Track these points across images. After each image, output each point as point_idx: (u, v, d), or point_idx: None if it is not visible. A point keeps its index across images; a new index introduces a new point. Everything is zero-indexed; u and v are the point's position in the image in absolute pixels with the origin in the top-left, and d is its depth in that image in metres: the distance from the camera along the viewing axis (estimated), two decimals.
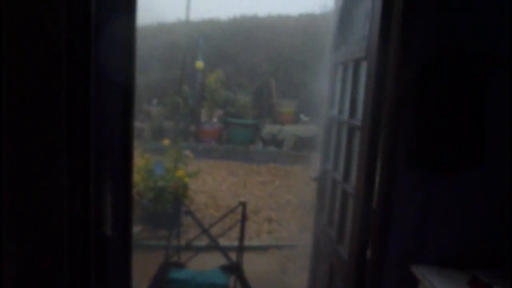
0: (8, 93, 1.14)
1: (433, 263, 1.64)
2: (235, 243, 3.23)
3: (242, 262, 3.05)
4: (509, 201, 1.62)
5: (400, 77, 1.58)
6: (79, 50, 1.22)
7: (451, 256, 1.65)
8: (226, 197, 6.01)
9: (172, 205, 4.35)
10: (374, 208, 1.68)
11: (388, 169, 1.63)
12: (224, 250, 3.07)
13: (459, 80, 1.58)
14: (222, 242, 3.51)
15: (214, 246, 3.15)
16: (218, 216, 4.87)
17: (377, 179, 1.66)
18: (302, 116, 9.00)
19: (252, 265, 3.82)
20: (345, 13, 2.38)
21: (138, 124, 7.86)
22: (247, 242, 3.69)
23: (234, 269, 2.92)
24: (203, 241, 3.42)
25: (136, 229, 4.32)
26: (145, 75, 8.32)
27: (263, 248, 4.51)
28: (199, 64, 8.49)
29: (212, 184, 6.63)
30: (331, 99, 2.55)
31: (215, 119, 8.82)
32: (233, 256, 3.03)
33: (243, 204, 3.15)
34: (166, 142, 5.42)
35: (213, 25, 9.83)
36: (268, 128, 8.78)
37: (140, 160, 4.64)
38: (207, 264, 3.12)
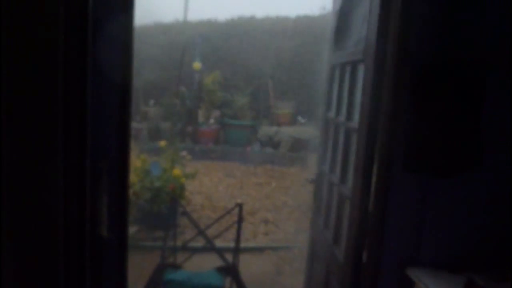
0: (4, 93, 1.13)
1: (429, 266, 1.64)
2: (231, 244, 3.22)
3: (238, 264, 3.05)
4: (505, 204, 1.63)
5: (397, 79, 1.58)
6: (76, 49, 1.21)
7: (447, 259, 1.65)
8: (223, 198, 6.00)
9: (169, 205, 4.34)
10: (370, 211, 1.69)
11: (385, 172, 1.64)
12: (220, 251, 3.06)
13: (457, 83, 1.59)
14: (218, 243, 3.50)
15: (210, 247, 3.14)
16: (214, 217, 4.87)
17: (374, 181, 1.67)
18: (299, 118, 8.99)
19: (248, 266, 3.83)
20: (343, 16, 2.38)
21: (135, 124, 7.84)
22: (243, 244, 3.70)
23: (230, 270, 2.92)
24: (199, 242, 3.41)
25: (132, 229, 4.31)
26: (142, 76, 8.30)
27: (259, 250, 4.51)
28: (197, 65, 8.48)
29: (209, 185, 6.62)
30: (328, 101, 2.56)
31: (212, 120, 8.80)
32: (229, 257, 3.02)
33: (240, 206, 3.15)
34: (163, 143, 5.39)
35: (210, 26, 9.81)
36: (265, 130, 8.77)
37: (136, 160, 4.63)
38: (203, 265, 3.11)
